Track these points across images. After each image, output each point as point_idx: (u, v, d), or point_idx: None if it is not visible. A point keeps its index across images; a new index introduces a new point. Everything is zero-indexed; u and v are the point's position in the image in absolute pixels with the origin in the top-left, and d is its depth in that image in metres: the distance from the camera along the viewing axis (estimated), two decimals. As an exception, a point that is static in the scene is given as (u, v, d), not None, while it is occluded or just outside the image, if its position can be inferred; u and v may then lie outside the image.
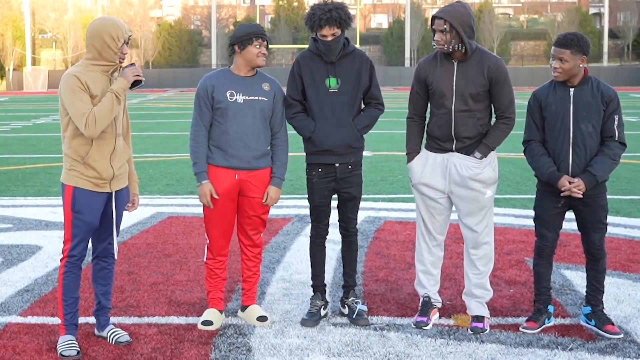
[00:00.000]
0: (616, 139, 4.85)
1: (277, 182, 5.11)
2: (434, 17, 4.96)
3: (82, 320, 5.01)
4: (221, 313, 5.16)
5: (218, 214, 5.06)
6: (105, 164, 4.55)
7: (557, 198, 4.92)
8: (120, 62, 4.54)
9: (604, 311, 5.01)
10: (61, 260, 4.63)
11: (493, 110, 5.12)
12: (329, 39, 4.98)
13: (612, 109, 4.84)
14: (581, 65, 4.82)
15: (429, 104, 5.17)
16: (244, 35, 4.96)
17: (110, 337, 4.75)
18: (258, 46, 4.96)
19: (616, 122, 4.85)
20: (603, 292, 5.05)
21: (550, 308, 5.06)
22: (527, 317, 5.07)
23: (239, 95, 4.98)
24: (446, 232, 5.27)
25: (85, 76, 4.45)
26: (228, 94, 4.97)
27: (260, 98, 5.01)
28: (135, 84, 4.55)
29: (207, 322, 5.02)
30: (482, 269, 5.14)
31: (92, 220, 4.57)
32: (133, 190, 4.87)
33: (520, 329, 4.95)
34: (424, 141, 5.23)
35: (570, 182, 4.81)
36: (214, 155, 5.01)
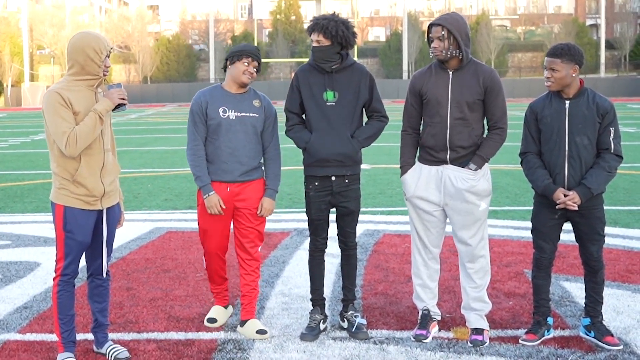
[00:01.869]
0: (612, 151, 4.84)
1: (271, 194, 5.22)
2: (431, 25, 4.99)
3: (81, 336, 5.00)
4: (226, 308, 5.45)
5: (212, 227, 5.20)
6: (95, 180, 4.52)
7: (554, 210, 4.92)
8: (104, 75, 4.52)
9: (604, 322, 5.00)
10: (54, 279, 4.60)
11: (486, 122, 5.13)
12: (315, 44, 5.07)
13: (607, 121, 4.83)
14: (574, 75, 4.82)
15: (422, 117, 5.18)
16: (236, 51, 5.15)
17: (109, 353, 4.73)
18: (246, 64, 5.10)
19: (612, 135, 4.84)
20: (602, 303, 5.04)
21: (550, 320, 5.05)
22: (526, 330, 5.06)
23: (231, 111, 5.12)
24: (441, 245, 5.27)
25: (68, 92, 4.42)
26: (220, 111, 5.11)
27: (251, 114, 5.14)
28: (119, 106, 4.53)
29: (211, 320, 5.30)
30: (479, 282, 5.14)
31: (84, 239, 4.55)
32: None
33: (520, 341, 4.93)
34: (418, 154, 5.23)
35: (565, 195, 4.82)
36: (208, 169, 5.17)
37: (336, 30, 5.01)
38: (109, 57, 4.54)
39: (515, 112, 34.95)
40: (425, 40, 5.11)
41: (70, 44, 4.49)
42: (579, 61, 4.82)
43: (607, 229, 8.16)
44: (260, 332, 5.10)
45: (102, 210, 4.61)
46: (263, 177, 5.25)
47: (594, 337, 4.93)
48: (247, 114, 5.13)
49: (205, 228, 5.21)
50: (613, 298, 5.84)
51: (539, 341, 4.93)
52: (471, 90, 4.96)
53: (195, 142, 5.12)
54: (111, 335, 4.95)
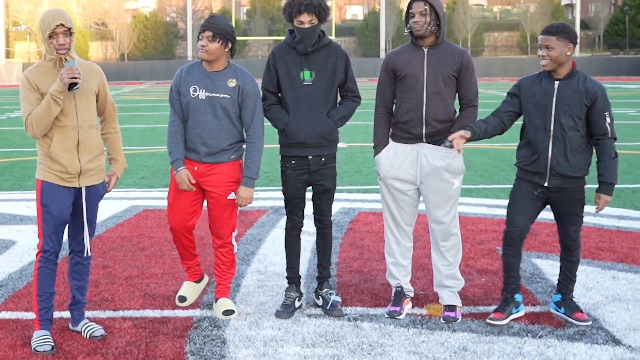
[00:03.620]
0: (610, 135, 4.83)
1: (247, 182, 5.04)
2: (413, 0, 5.00)
3: (57, 314, 5.01)
4: (199, 281, 5.43)
5: (178, 204, 5.14)
6: (71, 157, 4.52)
7: (535, 186, 4.93)
8: (60, 54, 4.46)
9: (574, 299, 5.09)
10: (36, 255, 4.63)
11: (458, 100, 5.17)
12: (306, 26, 4.98)
13: (601, 106, 4.79)
14: (568, 54, 4.79)
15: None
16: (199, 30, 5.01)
17: (84, 331, 4.76)
18: (201, 39, 4.93)
19: (608, 120, 4.82)
20: (575, 281, 5.12)
21: (518, 297, 5.06)
22: (495, 308, 5.11)
23: (202, 91, 4.97)
24: (414, 223, 5.32)
25: (35, 74, 4.48)
26: (191, 90, 4.98)
27: (221, 95, 4.96)
28: (73, 85, 4.42)
29: (182, 298, 5.32)
30: (451, 259, 5.20)
31: (60, 215, 4.55)
32: (114, 169, 4.80)
33: (487, 320, 4.95)
34: (391, 132, 5.26)
35: (597, 203, 4.90)
36: None
37: (325, 6, 5.00)
38: (70, 34, 4.46)
39: (491, 90, 35.10)
40: (403, 18, 5.12)
41: None
42: (573, 40, 4.81)
43: (579, 207, 8.29)
44: (227, 312, 5.10)
45: (81, 188, 4.61)
46: (238, 160, 5.10)
47: (563, 314, 5.02)
48: (217, 95, 4.95)
49: (171, 202, 5.16)
50: (583, 275, 5.94)
51: (507, 320, 4.94)
52: (446, 65, 5.01)
53: (172, 118, 5.09)
54: (87, 313, 4.97)
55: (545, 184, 4.90)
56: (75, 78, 4.40)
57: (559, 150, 4.83)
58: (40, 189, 4.55)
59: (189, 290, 5.36)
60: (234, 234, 5.22)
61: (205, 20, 4.98)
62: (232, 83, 4.99)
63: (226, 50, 4.96)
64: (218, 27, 4.89)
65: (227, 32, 4.92)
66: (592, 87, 4.81)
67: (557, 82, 4.85)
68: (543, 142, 4.86)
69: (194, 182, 5.04)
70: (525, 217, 4.98)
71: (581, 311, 5.00)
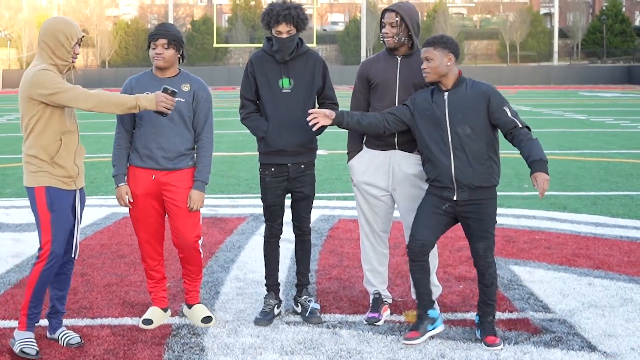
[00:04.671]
0: (520, 126, 4.71)
1: (199, 186, 5.01)
2: (385, 10, 5.06)
3: (34, 322, 4.99)
4: (165, 310, 5.20)
5: (142, 215, 5.05)
6: (72, 162, 4.60)
7: (443, 200, 4.78)
8: (73, 62, 4.55)
9: (493, 321, 4.84)
10: (41, 255, 4.51)
11: None
12: (284, 36, 5.01)
13: (497, 104, 4.69)
14: (449, 64, 4.73)
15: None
16: (148, 37, 5.02)
17: (61, 339, 4.74)
18: (154, 47, 4.95)
19: (509, 112, 4.72)
20: (493, 305, 4.83)
21: (432, 313, 4.82)
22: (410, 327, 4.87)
23: None
24: (389, 230, 5.35)
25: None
26: None
27: (177, 99, 4.89)
28: (160, 113, 4.64)
29: (147, 321, 5.05)
30: (427, 266, 5.23)
31: (68, 218, 4.60)
32: None
33: (402, 340, 4.75)
34: (365, 139, 5.30)
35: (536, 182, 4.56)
36: (132, 155, 5.03)
37: (304, 16, 5.04)
38: (79, 44, 4.59)
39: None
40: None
41: (42, 29, 4.56)
42: (453, 50, 4.75)
43: (556, 214, 8.39)
44: (205, 320, 5.08)
45: (76, 190, 4.67)
46: (194, 166, 5.05)
47: (479, 335, 4.83)
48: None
49: (136, 216, 5.07)
50: (560, 281, 6.01)
51: (423, 338, 4.73)
52: (418, 74, 5.03)
53: (118, 130, 5.05)
54: (65, 321, 4.95)
55: (455, 198, 4.73)
56: (169, 110, 4.63)
57: (461, 160, 4.69)
58: (45, 195, 4.53)
59: (156, 314, 5.12)
60: (200, 242, 5.14)
61: (157, 28, 5.01)
62: (186, 87, 5.01)
63: (178, 56, 5.03)
64: (172, 35, 4.94)
65: (179, 39, 4.99)
66: (481, 88, 4.75)
67: (446, 93, 4.78)
68: (443, 156, 4.73)
69: (131, 200, 5.00)
70: (429, 231, 4.79)
71: (494, 335, 4.74)
